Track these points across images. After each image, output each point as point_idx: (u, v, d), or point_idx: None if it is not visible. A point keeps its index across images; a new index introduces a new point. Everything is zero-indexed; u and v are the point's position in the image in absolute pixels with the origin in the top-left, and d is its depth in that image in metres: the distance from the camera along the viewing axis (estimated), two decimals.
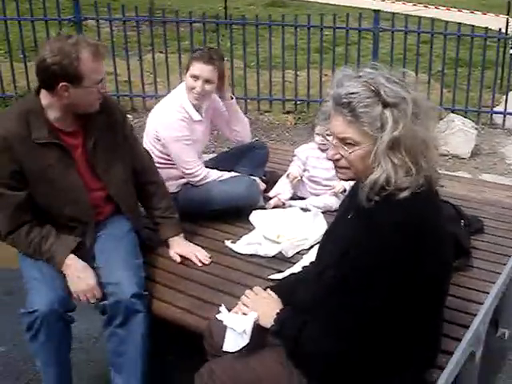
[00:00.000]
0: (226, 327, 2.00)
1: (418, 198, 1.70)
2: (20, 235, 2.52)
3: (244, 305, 2.05)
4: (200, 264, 2.76)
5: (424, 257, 1.69)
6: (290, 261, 2.76)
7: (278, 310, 1.94)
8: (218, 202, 3.11)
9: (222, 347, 1.98)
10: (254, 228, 3.04)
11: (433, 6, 10.12)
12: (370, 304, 1.71)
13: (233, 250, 2.88)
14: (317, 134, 3.27)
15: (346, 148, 1.75)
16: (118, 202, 2.71)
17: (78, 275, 2.48)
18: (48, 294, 2.38)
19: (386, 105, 1.66)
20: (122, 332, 2.45)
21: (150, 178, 2.84)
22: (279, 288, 2.13)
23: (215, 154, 4.02)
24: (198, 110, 3.21)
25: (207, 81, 3.10)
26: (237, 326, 1.95)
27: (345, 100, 1.69)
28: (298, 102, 6.84)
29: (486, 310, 2.25)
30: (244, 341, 1.94)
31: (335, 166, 1.83)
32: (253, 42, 6.90)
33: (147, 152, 2.92)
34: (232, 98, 3.39)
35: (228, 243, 2.92)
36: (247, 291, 2.10)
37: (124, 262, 2.54)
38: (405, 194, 1.68)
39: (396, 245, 1.67)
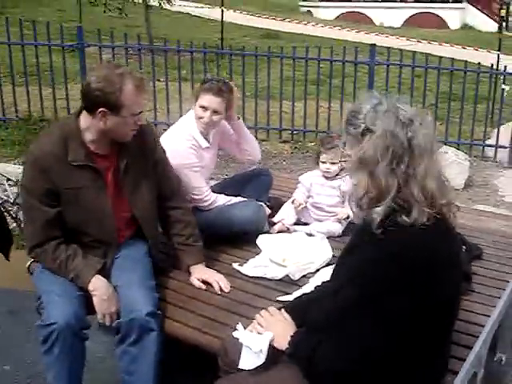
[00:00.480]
0: (241, 345, 2.07)
1: (425, 230, 1.77)
2: (47, 251, 2.59)
3: (259, 324, 2.12)
4: (220, 292, 2.79)
5: (429, 287, 1.77)
6: (297, 283, 2.84)
7: (291, 333, 2.02)
8: (225, 225, 3.18)
9: (237, 365, 2.05)
10: (260, 252, 3.11)
11: (426, 41, 10.40)
12: (376, 330, 1.79)
13: (240, 273, 2.95)
14: (322, 162, 3.38)
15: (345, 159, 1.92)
16: (142, 224, 2.78)
17: (105, 297, 2.56)
18: (66, 309, 2.44)
19: (367, 129, 1.79)
20: (134, 350, 2.50)
21: (178, 204, 2.90)
22: (292, 308, 2.21)
23: (217, 181, 4.11)
24: (205, 137, 3.29)
25: (215, 112, 3.19)
26: (253, 344, 2.03)
27: (348, 116, 1.86)
28: (295, 132, 6.97)
29: (488, 331, 2.33)
30: (260, 360, 2.01)
31: None
32: (250, 73, 7.05)
33: (177, 177, 2.99)
34: (239, 119, 3.46)
35: (235, 266, 2.99)
36: (262, 311, 2.18)
37: (140, 282, 2.62)
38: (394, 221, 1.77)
39: (392, 276, 1.76)
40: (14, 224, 3.63)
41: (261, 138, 6.91)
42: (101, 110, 2.47)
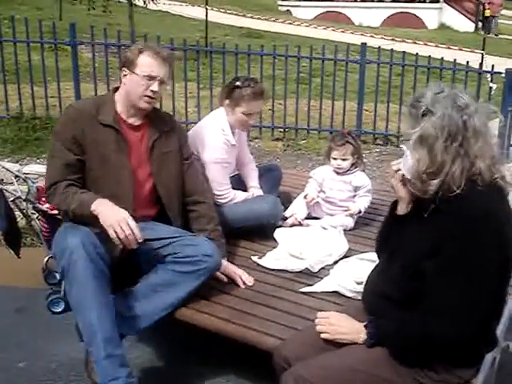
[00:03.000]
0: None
1: (484, 192, 1.93)
2: (60, 186, 2.68)
3: (325, 332, 2.16)
4: (243, 286, 2.85)
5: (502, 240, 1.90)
6: (317, 275, 2.92)
7: (357, 324, 2.12)
8: (244, 219, 3.25)
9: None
10: (276, 245, 3.19)
11: (410, 41, 10.61)
12: (464, 293, 1.90)
13: (261, 265, 3.02)
14: (333, 158, 3.46)
15: None
16: (165, 203, 2.86)
17: (111, 208, 2.56)
18: (81, 235, 2.50)
19: (428, 110, 1.97)
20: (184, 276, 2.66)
21: (202, 199, 2.96)
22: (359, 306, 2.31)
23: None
24: (233, 136, 3.36)
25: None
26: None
27: (412, 100, 2.04)
28: (287, 130, 7.04)
29: (506, 318, 2.43)
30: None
31: None
32: (243, 71, 7.07)
33: (202, 173, 3.08)
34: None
35: (255, 258, 3.07)
36: (317, 321, 2.21)
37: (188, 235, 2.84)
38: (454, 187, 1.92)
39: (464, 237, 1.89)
40: (24, 221, 3.62)
41: (253, 135, 6.97)
42: (123, 69, 2.78)
